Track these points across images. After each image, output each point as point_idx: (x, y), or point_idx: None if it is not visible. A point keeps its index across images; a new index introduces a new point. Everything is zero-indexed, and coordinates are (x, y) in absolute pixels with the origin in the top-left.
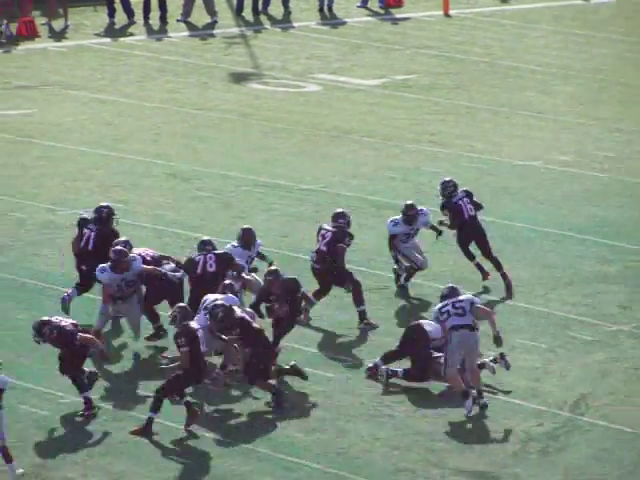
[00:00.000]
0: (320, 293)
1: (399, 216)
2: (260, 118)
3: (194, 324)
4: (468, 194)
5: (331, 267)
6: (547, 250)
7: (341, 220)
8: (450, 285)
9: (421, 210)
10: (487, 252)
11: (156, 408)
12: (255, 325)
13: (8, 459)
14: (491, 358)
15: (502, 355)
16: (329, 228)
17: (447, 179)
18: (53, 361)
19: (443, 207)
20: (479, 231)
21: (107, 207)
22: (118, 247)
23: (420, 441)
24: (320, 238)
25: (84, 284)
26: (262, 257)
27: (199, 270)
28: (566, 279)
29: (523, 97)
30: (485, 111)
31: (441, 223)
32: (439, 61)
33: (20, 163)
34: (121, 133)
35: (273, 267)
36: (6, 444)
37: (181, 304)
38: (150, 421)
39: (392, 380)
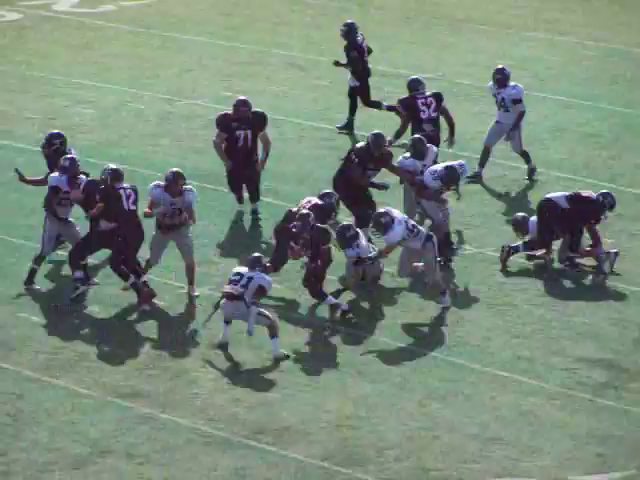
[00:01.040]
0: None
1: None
2: (378, 6)
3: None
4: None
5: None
6: None
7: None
8: None
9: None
10: None
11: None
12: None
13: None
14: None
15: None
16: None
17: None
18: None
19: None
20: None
21: None
22: (176, 170)
23: (540, 329)
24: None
25: None
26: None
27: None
28: None
29: None
30: None
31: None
32: None
33: (138, 54)
34: (239, 23)
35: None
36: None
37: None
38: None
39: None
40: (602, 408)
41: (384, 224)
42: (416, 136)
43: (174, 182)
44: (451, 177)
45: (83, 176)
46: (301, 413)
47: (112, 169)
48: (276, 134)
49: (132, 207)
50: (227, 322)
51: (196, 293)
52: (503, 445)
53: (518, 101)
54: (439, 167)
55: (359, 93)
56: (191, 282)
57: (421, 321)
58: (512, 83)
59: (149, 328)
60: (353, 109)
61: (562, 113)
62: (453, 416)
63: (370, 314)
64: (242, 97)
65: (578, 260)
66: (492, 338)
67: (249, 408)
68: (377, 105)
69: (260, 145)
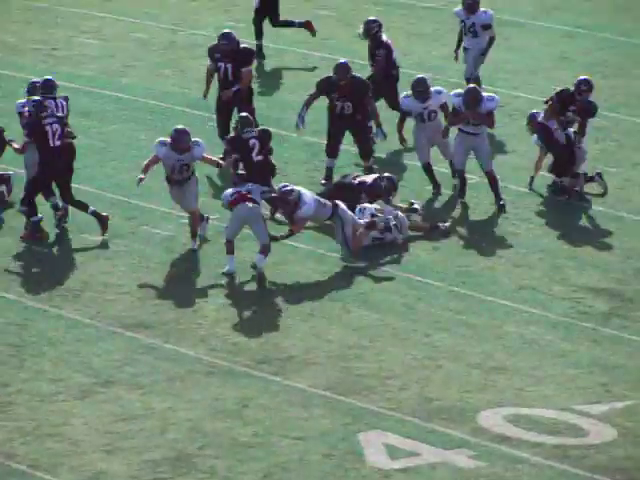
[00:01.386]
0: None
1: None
2: None
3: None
4: None
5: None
6: None
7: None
8: None
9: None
10: None
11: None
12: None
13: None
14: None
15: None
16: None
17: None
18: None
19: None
20: None
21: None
22: (182, 127)
23: (543, 258)
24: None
25: None
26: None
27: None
28: None
29: None
30: None
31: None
32: None
33: None
34: None
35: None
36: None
37: None
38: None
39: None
40: (605, 337)
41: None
42: (419, 76)
43: (180, 140)
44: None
45: None
46: (304, 343)
47: (35, 100)
48: (277, 62)
49: (57, 143)
50: (231, 253)
51: (196, 246)
52: (506, 374)
53: (488, 27)
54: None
55: None
56: (194, 235)
57: (425, 251)
58: (482, 9)
59: (153, 258)
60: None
61: (566, 43)
62: (456, 345)
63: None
64: (226, 30)
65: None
66: (496, 268)
67: (252, 338)
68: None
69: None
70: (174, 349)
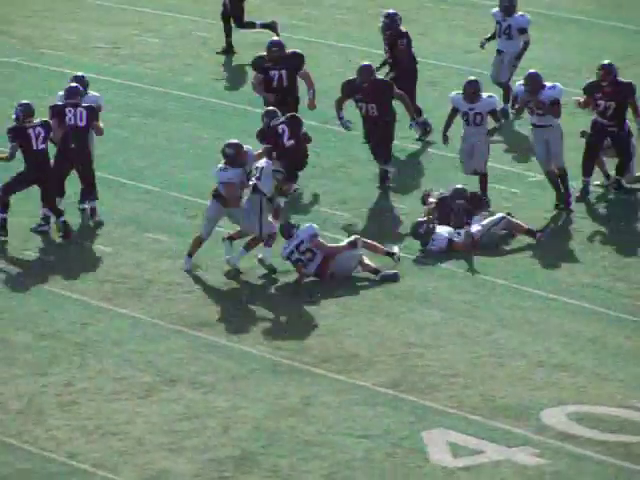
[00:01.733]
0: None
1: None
2: None
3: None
4: None
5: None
6: None
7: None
8: None
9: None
10: None
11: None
12: None
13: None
14: None
15: None
16: None
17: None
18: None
19: None
20: None
21: None
22: (234, 143)
23: (606, 256)
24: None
25: None
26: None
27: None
28: None
29: None
30: None
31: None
32: None
33: None
34: None
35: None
36: None
37: None
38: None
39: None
40: None
41: None
42: (471, 78)
43: (237, 155)
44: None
45: None
46: (367, 341)
47: (22, 104)
48: (343, 61)
49: (41, 146)
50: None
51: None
52: (570, 372)
53: (524, 30)
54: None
55: None
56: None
57: (488, 249)
58: (519, 12)
59: (215, 257)
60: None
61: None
62: (520, 343)
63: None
64: (275, 38)
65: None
66: (559, 265)
67: (315, 336)
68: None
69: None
70: (237, 347)
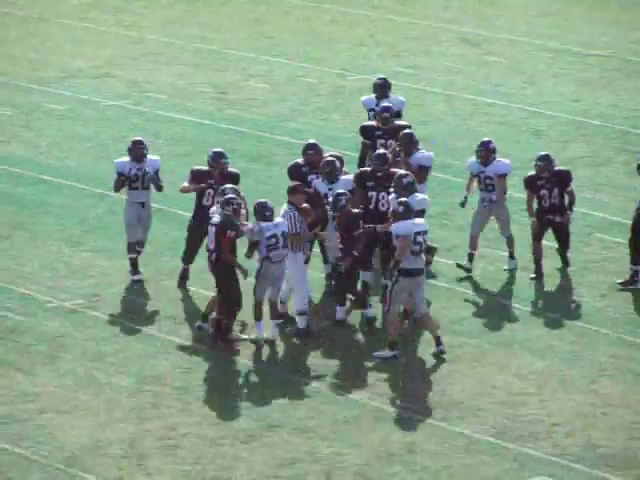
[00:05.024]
0: None
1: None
2: None
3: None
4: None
5: None
6: None
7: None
8: None
9: (502, 160)
10: None
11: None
12: None
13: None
14: None
15: None
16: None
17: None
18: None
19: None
20: None
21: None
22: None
23: None
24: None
25: None
26: None
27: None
28: None
29: None
30: None
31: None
32: None
33: (309, 28)
34: None
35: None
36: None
37: None
38: None
39: None
40: None
41: None
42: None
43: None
44: None
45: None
46: (470, 389)
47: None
48: (448, 109)
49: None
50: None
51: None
52: None
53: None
54: None
55: None
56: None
57: (592, 298)
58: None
59: (317, 301)
60: None
61: None
62: (622, 392)
63: (537, 290)
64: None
65: None
66: None
67: (418, 383)
68: None
69: None
70: (340, 393)
